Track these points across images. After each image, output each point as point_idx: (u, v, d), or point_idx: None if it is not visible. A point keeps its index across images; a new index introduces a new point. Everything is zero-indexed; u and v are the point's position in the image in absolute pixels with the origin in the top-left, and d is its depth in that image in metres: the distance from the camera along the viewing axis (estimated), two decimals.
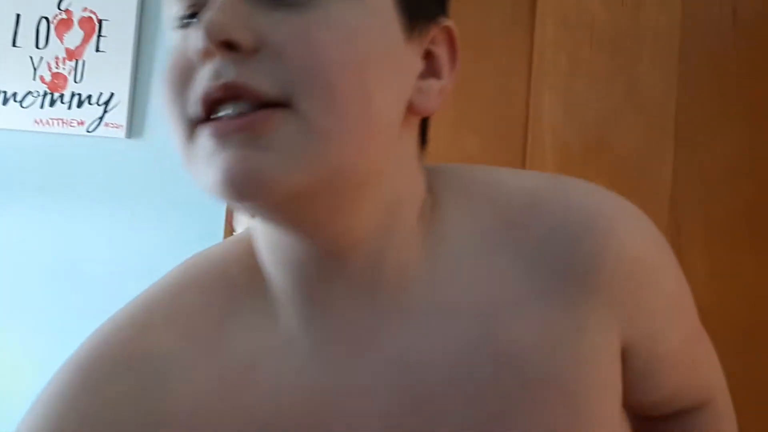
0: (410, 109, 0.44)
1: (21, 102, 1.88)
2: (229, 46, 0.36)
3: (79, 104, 1.87)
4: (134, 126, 1.88)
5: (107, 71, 1.87)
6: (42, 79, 1.89)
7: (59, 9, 1.89)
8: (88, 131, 1.87)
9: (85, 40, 1.89)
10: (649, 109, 1.84)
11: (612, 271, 0.46)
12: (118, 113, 1.86)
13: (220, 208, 1.82)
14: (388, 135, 0.42)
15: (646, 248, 0.50)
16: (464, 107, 1.85)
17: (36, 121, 1.88)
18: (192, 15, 0.40)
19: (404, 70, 0.44)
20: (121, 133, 1.86)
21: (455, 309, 0.45)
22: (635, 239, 0.49)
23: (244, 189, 0.37)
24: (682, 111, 1.84)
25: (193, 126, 0.40)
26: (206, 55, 0.36)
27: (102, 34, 1.88)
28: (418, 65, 0.45)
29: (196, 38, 0.36)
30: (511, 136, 1.85)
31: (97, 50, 1.88)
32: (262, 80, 0.37)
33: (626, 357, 0.49)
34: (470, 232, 0.47)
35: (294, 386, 0.44)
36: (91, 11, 1.89)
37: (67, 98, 1.88)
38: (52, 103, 1.88)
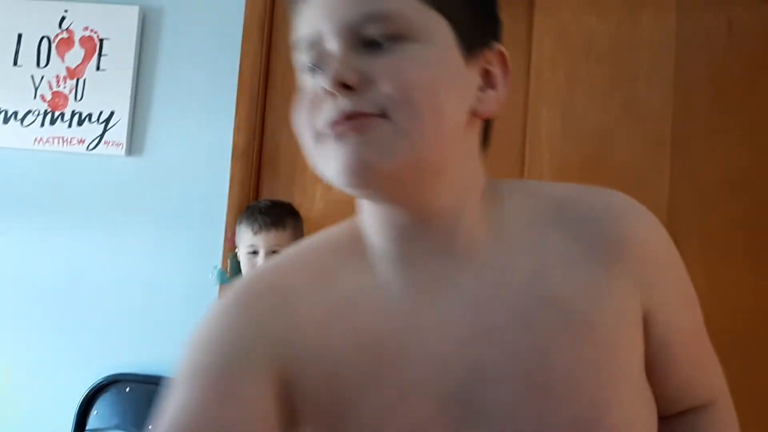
0: (473, 114, 0.59)
1: (21, 121, 1.89)
2: (344, 86, 0.53)
3: (80, 122, 1.88)
4: (134, 144, 1.89)
5: (108, 90, 1.88)
6: (42, 97, 1.90)
7: (60, 28, 1.91)
8: (88, 149, 1.87)
9: (86, 58, 1.90)
10: (647, 122, 1.84)
11: (639, 250, 0.61)
12: (119, 131, 1.87)
13: (220, 224, 1.82)
14: (454, 135, 0.57)
15: (665, 241, 0.65)
16: None
17: (36, 140, 1.88)
18: (317, 64, 0.57)
19: (465, 86, 0.58)
20: (121, 151, 1.87)
21: (515, 265, 0.59)
22: (658, 232, 0.65)
23: (356, 175, 0.53)
24: (679, 123, 1.85)
25: (319, 136, 0.56)
26: (330, 94, 0.53)
27: (103, 53, 1.90)
28: (477, 81, 0.59)
29: (323, 82, 0.53)
30: (510, 150, 1.85)
31: (98, 69, 1.89)
32: (367, 106, 0.53)
33: (647, 323, 0.61)
34: (526, 214, 0.62)
35: (387, 319, 0.59)
36: (93, 30, 1.90)
37: (67, 117, 1.88)
38: (53, 121, 1.89)
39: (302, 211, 1.79)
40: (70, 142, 1.88)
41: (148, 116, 1.90)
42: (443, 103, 0.55)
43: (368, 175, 0.53)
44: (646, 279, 0.61)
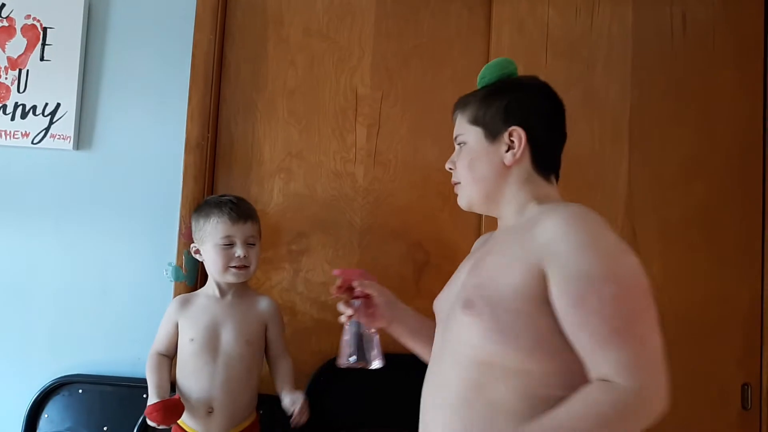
0: (504, 164, 1.15)
1: None
2: (451, 168, 1.24)
3: (23, 115, 1.80)
4: (82, 137, 1.82)
5: (53, 81, 1.80)
6: None
7: (0, 16, 1.83)
8: (33, 143, 1.79)
9: (29, 48, 1.82)
10: (605, 115, 1.86)
11: (545, 234, 1.01)
12: (65, 124, 1.79)
13: (173, 220, 1.77)
14: (492, 181, 1.16)
15: (565, 233, 0.99)
16: (422, 115, 1.85)
17: None
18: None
19: (490, 155, 1.16)
20: (69, 144, 1.80)
21: (515, 229, 1.12)
22: (563, 228, 1.00)
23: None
24: (636, 116, 1.87)
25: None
26: (450, 170, 1.25)
27: (47, 42, 1.81)
28: (503, 148, 1.15)
29: (449, 165, 1.24)
30: None
31: (42, 59, 1.81)
32: (455, 177, 1.23)
33: (547, 280, 0.99)
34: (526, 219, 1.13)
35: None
36: (35, 19, 1.82)
37: (10, 109, 1.80)
38: None
39: (260, 205, 1.76)
40: (14, 135, 1.80)
41: (96, 108, 1.83)
42: (475, 169, 1.17)
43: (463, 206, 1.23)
44: (548, 254, 0.99)
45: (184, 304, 1.58)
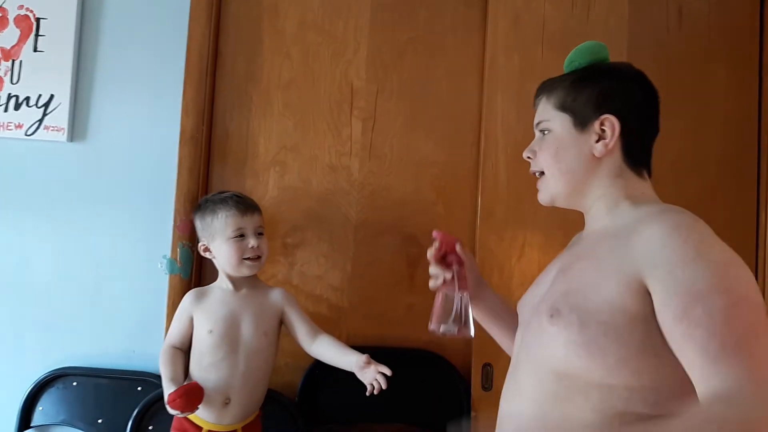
0: (594, 155, 1.06)
1: None
2: (529, 158, 1.15)
3: (17, 106, 1.79)
4: (76, 129, 1.81)
5: (46, 72, 1.79)
6: None
7: None
8: (26, 135, 1.78)
9: (22, 39, 1.80)
10: None
11: (647, 245, 0.92)
12: (59, 115, 1.79)
13: (168, 212, 1.76)
14: (581, 173, 1.07)
15: (670, 243, 0.90)
16: (418, 108, 1.85)
17: None
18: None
19: (579, 144, 1.07)
20: (63, 136, 1.79)
21: (608, 233, 1.03)
22: (667, 238, 0.91)
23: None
24: None
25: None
26: (528, 159, 1.15)
27: (40, 33, 1.80)
28: (594, 138, 1.06)
29: (528, 154, 1.15)
30: (465, 136, 1.85)
31: (35, 50, 1.80)
32: (536, 167, 1.13)
33: (650, 294, 0.90)
34: (624, 219, 1.04)
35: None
36: (28, 9, 1.80)
37: (3, 100, 1.78)
38: None
39: (255, 198, 1.75)
40: (7, 127, 1.79)
41: (90, 100, 1.82)
42: (560, 161, 1.08)
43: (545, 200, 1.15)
44: (648, 261, 0.91)
45: (199, 297, 1.57)
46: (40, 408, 1.72)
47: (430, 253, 1.18)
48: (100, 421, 1.72)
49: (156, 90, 1.81)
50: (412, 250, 1.82)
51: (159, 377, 1.71)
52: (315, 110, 1.84)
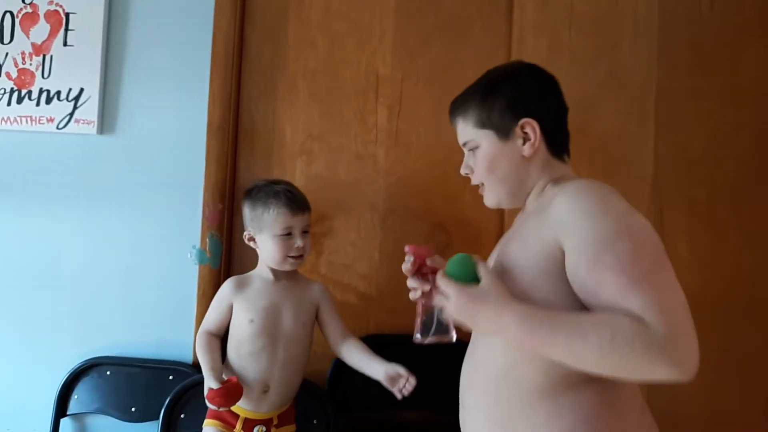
0: (523, 157, 1.16)
1: None
2: (468, 173, 1.24)
3: (48, 101, 1.82)
4: (106, 121, 1.84)
5: (76, 66, 1.81)
6: (8, 75, 1.82)
7: (24, 2, 1.84)
8: (58, 128, 1.81)
9: (52, 34, 1.83)
10: (630, 92, 1.82)
11: (557, 211, 1.04)
12: (89, 109, 1.81)
13: (197, 202, 1.78)
14: (514, 175, 1.17)
15: (574, 204, 1.02)
16: (444, 95, 1.82)
17: (3, 120, 1.82)
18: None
19: (507, 152, 1.16)
20: (93, 129, 1.81)
21: (534, 213, 1.13)
22: (572, 201, 1.03)
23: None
24: (662, 94, 1.83)
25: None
26: (467, 175, 1.25)
27: (69, 27, 1.83)
28: (519, 142, 1.15)
29: (465, 170, 1.24)
30: None
31: (65, 44, 1.82)
32: (476, 180, 1.22)
33: (563, 250, 1.01)
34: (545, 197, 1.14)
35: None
36: (58, 4, 1.83)
37: (35, 95, 1.82)
38: (20, 100, 1.82)
39: None
40: (39, 120, 1.82)
41: (119, 93, 1.84)
42: (495, 168, 1.17)
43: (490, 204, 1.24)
44: (560, 223, 1.02)
45: (240, 286, 1.57)
46: (76, 396, 1.76)
47: (405, 267, 1.21)
48: (133, 409, 1.74)
49: (183, 81, 1.82)
50: (440, 237, 1.81)
51: (190, 366, 1.75)
52: (341, 99, 1.84)
